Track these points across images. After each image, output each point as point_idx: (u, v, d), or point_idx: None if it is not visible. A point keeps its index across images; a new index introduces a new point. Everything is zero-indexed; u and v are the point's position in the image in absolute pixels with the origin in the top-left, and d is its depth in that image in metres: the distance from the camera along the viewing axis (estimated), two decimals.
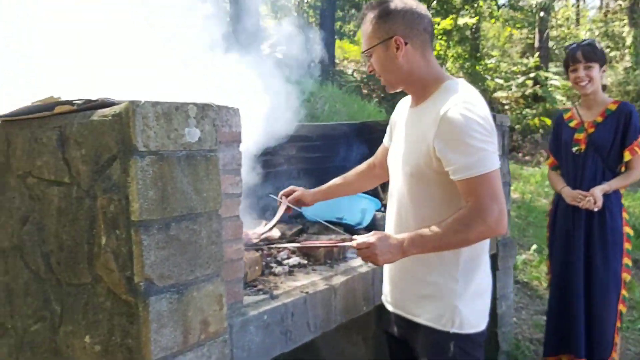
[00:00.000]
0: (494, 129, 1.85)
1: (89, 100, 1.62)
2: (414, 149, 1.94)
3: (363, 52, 2.00)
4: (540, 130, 13.59)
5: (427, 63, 1.95)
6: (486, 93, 14.81)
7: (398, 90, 2.03)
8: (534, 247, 5.85)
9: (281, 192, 2.45)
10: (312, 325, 2.15)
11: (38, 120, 1.76)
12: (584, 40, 3.40)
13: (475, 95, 1.89)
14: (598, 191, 3.15)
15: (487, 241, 1.98)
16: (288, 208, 2.41)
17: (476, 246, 1.92)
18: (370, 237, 1.87)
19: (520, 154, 13.26)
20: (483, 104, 1.87)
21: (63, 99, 1.69)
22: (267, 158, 3.27)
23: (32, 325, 1.85)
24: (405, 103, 2.14)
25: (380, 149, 2.36)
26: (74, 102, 1.64)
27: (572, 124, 3.37)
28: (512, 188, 8.21)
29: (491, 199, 1.77)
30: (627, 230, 3.29)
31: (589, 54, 3.25)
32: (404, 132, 2.04)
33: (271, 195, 2.53)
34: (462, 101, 1.81)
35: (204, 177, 1.66)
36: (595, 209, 3.16)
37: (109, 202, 1.56)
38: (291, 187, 2.47)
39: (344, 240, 2.18)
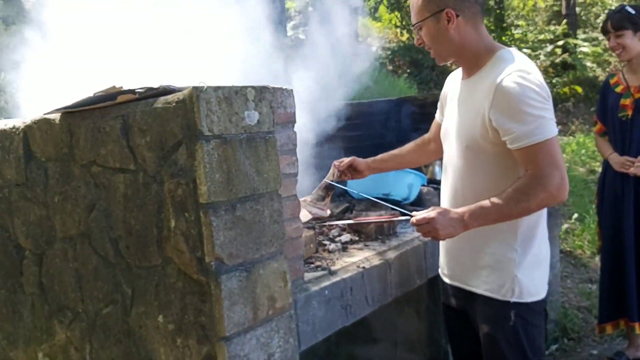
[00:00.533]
0: (550, 96, 1.84)
1: (151, 89, 1.66)
2: (468, 122, 1.94)
3: (413, 25, 2.00)
4: (572, 99, 13.37)
5: (479, 34, 1.95)
6: None
7: (448, 63, 2.04)
8: (575, 215, 5.82)
9: (337, 161, 2.46)
10: (370, 299, 2.20)
11: (100, 110, 1.82)
12: (617, 7, 3.35)
13: (529, 63, 1.89)
14: None
15: (544, 209, 1.98)
16: (341, 175, 2.41)
17: (534, 215, 1.92)
18: (430, 213, 1.87)
19: None
20: (537, 71, 1.87)
21: (124, 88, 1.74)
22: (308, 138, 3.31)
23: (103, 308, 1.92)
24: (456, 76, 2.14)
25: (433, 125, 2.36)
26: (136, 90, 1.69)
27: (618, 89, 3.32)
28: None
29: (551, 166, 1.77)
30: None
31: (617, 22, 3.21)
32: (457, 106, 2.04)
33: (331, 182, 2.53)
34: (517, 70, 1.81)
35: (264, 158, 1.70)
36: None
37: (177, 186, 1.61)
38: (350, 158, 2.44)
39: (401, 216, 2.20)
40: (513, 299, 1.94)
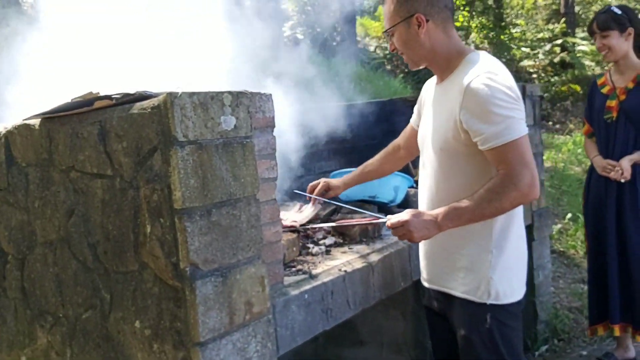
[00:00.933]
0: (519, 96, 1.87)
1: (127, 94, 1.67)
2: (442, 124, 1.97)
3: (385, 31, 2.03)
4: (570, 98, 13.36)
5: (449, 39, 1.98)
6: (512, 62, 14.56)
7: (421, 67, 2.06)
8: (569, 215, 5.82)
9: (310, 186, 2.53)
10: (351, 302, 2.20)
11: (78, 115, 1.82)
12: (603, 7, 3.34)
13: (497, 64, 1.92)
14: (626, 162, 3.10)
15: (518, 210, 2.01)
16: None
17: (507, 216, 1.94)
18: (403, 215, 1.91)
19: (550, 123, 13.06)
20: (506, 72, 1.90)
21: (102, 94, 1.74)
22: (298, 140, 3.31)
23: (83, 313, 1.92)
24: (431, 82, 2.18)
25: (406, 130, 2.40)
26: (113, 96, 1.69)
27: (604, 90, 3.31)
28: (544, 157, 8.15)
29: (522, 165, 1.79)
30: None
31: (604, 23, 3.19)
32: (431, 110, 2.08)
33: (296, 191, 2.61)
34: (485, 71, 1.84)
35: (241, 163, 1.70)
36: (622, 180, 3.11)
37: (152, 191, 1.61)
38: (322, 182, 2.52)
39: (377, 220, 2.22)
40: (489, 301, 1.95)
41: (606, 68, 3.31)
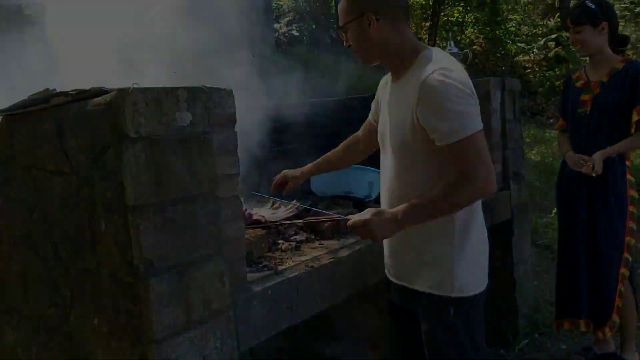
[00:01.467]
0: (474, 91, 1.88)
1: (83, 91, 1.66)
2: (399, 122, 1.97)
3: (338, 29, 2.05)
4: None
5: (402, 37, 1.98)
6: (507, 57, 14.54)
7: (375, 64, 2.09)
8: (555, 210, 5.80)
9: (273, 184, 2.57)
10: (318, 298, 2.19)
11: (38, 112, 1.81)
12: (579, 1, 3.30)
13: (451, 60, 1.93)
14: (598, 156, 3.05)
15: (478, 203, 2.02)
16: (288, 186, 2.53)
17: (468, 209, 1.94)
18: (364, 215, 1.91)
19: (544, 117, 13.04)
20: (460, 68, 1.90)
21: (58, 90, 1.74)
22: (277, 136, 3.30)
23: (45, 310, 1.92)
24: (387, 79, 2.18)
25: (365, 124, 2.41)
26: (69, 93, 1.69)
27: (578, 84, 3.28)
28: (534, 152, 8.14)
29: (478, 161, 1.80)
30: (632, 193, 3.21)
31: (576, 17, 3.16)
32: (388, 108, 2.08)
33: (254, 193, 2.68)
34: (438, 68, 1.84)
35: (198, 159, 1.70)
36: (594, 175, 3.09)
37: (106, 188, 1.60)
38: (282, 175, 2.56)
39: (339, 219, 2.22)
40: (453, 294, 1.96)
41: (586, 62, 3.28)
